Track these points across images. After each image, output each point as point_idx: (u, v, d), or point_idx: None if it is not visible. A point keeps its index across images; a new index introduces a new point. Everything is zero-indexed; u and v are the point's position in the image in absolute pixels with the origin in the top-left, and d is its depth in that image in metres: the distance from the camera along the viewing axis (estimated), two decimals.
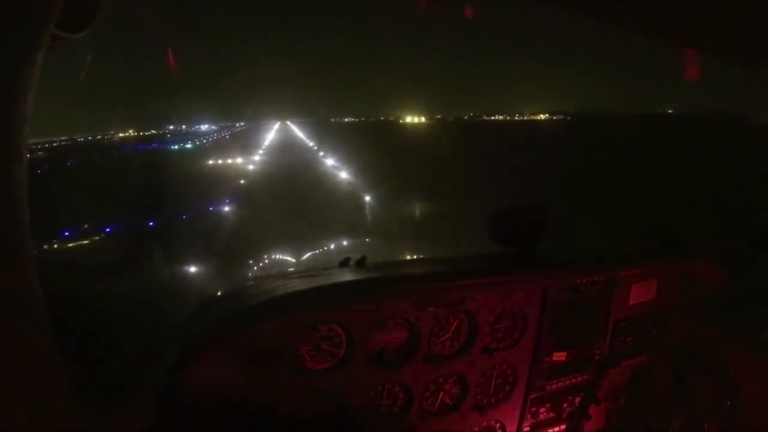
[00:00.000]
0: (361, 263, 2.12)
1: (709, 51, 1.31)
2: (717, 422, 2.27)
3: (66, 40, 0.76)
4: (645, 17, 1.17)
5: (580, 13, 1.13)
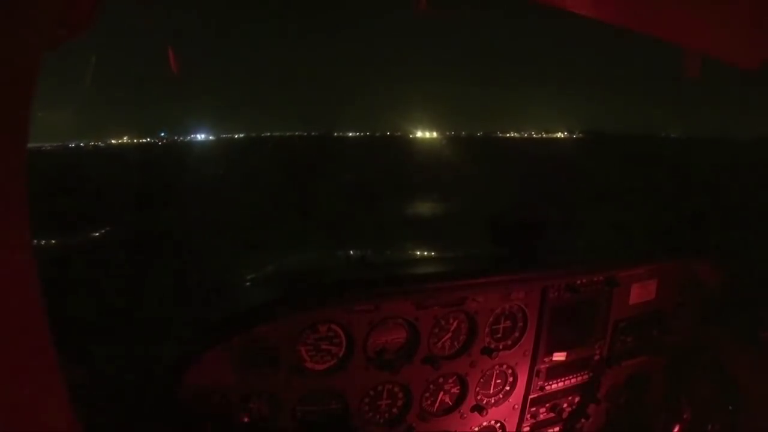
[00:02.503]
0: (360, 263, 2.12)
1: (709, 51, 1.31)
2: (720, 423, 2.26)
3: (66, 40, 0.76)
4: (646, 16, 1.17)
5: (584, 11, 1.13)
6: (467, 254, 2.58)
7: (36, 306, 0.65)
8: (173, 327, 1.98)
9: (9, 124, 0.61)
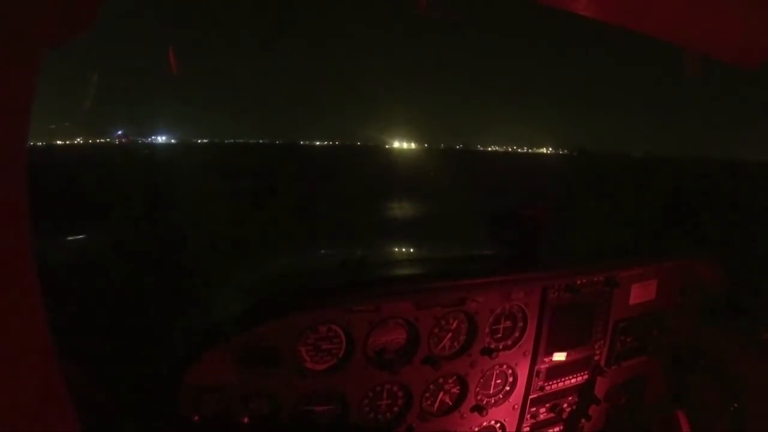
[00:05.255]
0: (360, 263, 2.12)
1: (709, 51, 1.31)
2: (721, 423, 2.26)
3: (66, 40, 0.76)
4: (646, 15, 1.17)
5: (584, 11, 1.13)
6: (467, 254, 2.58)
7: (36, 306, 0.65)
8: (173, 327, 1.98)
9: (9, 124, 0.61)
